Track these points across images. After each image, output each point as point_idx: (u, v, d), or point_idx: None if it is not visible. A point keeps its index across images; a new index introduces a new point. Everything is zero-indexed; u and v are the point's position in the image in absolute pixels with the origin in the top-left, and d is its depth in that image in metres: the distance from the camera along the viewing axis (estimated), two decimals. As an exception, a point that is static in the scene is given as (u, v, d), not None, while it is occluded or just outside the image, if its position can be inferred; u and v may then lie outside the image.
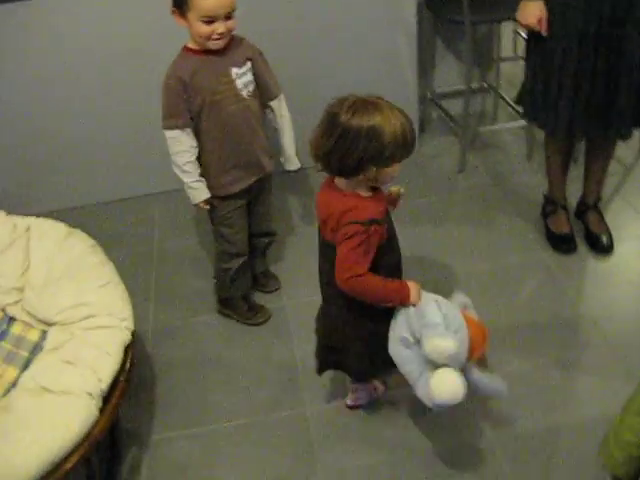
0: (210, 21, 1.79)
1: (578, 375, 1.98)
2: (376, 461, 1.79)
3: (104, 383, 1.59)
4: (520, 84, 2.32)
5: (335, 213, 1.52)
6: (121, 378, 1.65)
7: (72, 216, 2.53)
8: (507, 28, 3.22)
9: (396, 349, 1.60)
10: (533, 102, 2.24)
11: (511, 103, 3.05)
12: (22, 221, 1.99)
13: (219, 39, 1.84)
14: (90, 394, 1.55)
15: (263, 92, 2.02)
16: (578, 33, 2.02)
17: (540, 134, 3.02)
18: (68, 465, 1.46)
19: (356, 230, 1.48)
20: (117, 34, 2.54)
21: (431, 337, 1.50)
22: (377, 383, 1.93)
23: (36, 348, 1.75)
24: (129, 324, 1.74)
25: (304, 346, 2.11)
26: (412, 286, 1.59)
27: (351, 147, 1.42)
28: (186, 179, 1.96)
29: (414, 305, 1.58)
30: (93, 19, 2.51)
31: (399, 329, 1.59)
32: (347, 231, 1.49)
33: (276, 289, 2.39)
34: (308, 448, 1.85)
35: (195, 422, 1.96)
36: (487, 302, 2.21)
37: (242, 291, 2.26)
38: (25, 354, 1.74)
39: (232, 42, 1.91)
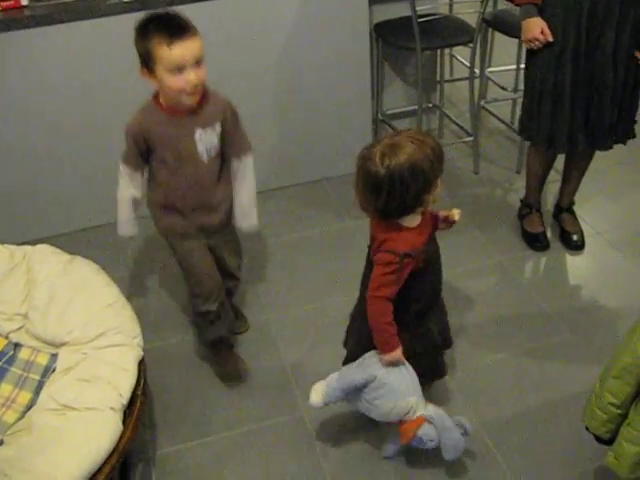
0: (180, 70, 1.70)
1: (547, 361, 2.19)
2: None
3: (124, 398, 1.66)
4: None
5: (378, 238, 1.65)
6: (138, 392, 1.72)
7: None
8: (445, 53, 3.49)
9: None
10: (522, 116, 2.44)
11: (455, 121, 3.31)
12: (18, 249, 2.02)
13: (193, 93, 1.76)
14: (113, 408, 1.62)
15: (227, 149, 1.95)
16: (558, 48, 2.19)
17: (485, 149, 3.30)
18: (101, 477, 1.53)
19: (390, 260, 1.60)
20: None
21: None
22: None
23: (47, 371, 1.79)
24: (140, 341, 1.82)
25: (291, 354, 2.27)
26: (395, 354, 1.70)
27: (403, 189, 1.52)
28: (118, 210, 1.97)
29: (383, 364, 1.71)
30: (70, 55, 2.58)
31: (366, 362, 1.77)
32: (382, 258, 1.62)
33: (245, 330, 2.36)
34: (310, 446, 1.97)
35: (198, 434, 2.03)
36: (461, 302, 2.43)
37: (220, 334, 2.16)
38: (36, 377, 1.77)
39: (203, 99, 1.83)
